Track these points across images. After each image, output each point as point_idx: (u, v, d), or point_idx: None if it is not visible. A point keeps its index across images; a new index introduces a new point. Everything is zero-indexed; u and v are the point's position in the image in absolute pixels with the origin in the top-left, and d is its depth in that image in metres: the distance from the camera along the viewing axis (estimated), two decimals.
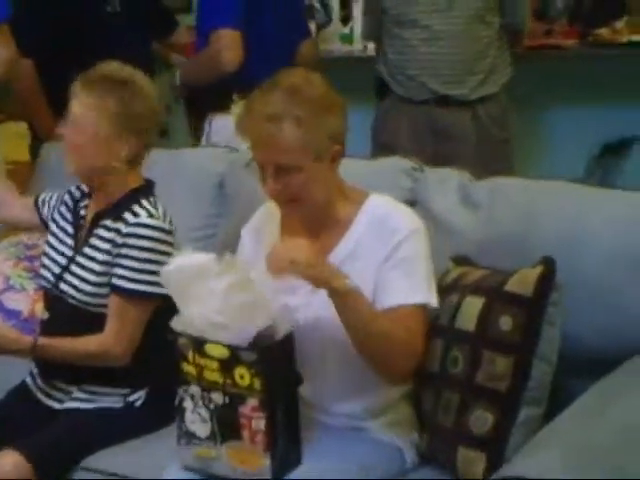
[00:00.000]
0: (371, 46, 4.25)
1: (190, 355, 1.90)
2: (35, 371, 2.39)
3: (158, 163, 2.86)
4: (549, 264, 1.94)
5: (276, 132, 1.91)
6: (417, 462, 2.04)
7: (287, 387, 1.91)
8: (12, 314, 2.41)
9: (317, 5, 4.62)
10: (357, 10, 4.51)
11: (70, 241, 2.38)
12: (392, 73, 3.51)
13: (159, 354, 2.24)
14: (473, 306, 1.96)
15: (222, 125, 3.25)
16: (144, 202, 2.31)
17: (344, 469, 1.92)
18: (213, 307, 1.86)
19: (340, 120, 1.98)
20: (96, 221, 2.33)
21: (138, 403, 2.31)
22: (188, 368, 1.92)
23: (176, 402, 1.96)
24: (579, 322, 2.03)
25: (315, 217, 2.03)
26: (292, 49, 3.45)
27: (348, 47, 4.57)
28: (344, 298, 1.86)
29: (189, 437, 1.95)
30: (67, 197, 2.45)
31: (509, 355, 1.90)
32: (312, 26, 4.50)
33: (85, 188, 2.43)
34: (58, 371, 2.32)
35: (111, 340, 2.26)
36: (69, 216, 2.42)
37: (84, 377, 2.30)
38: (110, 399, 2.30)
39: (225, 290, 1.84)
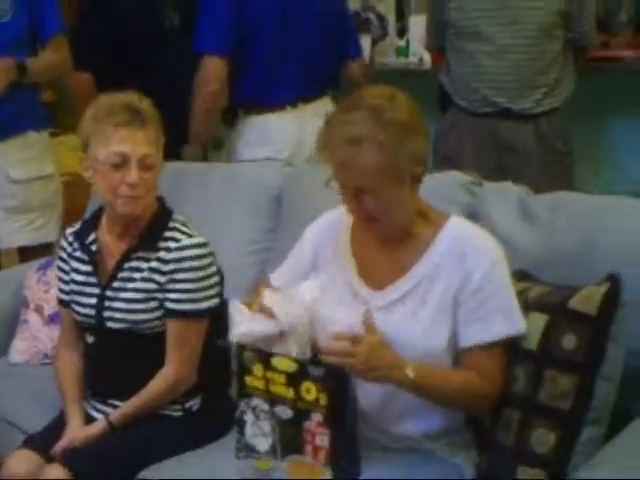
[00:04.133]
0: (427, 59, 4.25)
1: (255, 368, 1.90)
2: (87, 392, 2.39)
3: (214, 177, 2.89)
4: (615, 281, 1.91)
5: (357, 155, 1.87)
6: None
7: (351, 404, 1.89)
8: None
9: (373, 18, 4.62)
10: (413, 23, 4.51)
11: (93, 279, 2.36)
12: (455, 85, 3.52)
13: (208, 359, 2.28)
14: (536, 323, 1.94)
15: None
16: (172, 224, 2.32)
17: None
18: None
19: (423, 141, 1.94)
20: (127, 255, 2.31)
21: (195, 408, 2.32)
22: (253, 381, 1.91)
23: (237, 415, 1.96)
24: None
25: (392, 235, 2.00)
26: (327, 70, 3.44)
27: (404, 60, 4.56)
28: (410, 385, 1.86)
29: (248, 450, 1.95)
30: (64, 243, 2.44)
31: (572, 374, 1.87)
32: (367, 39, 4.52)
33: (77, 225, 2.43)
34: (111, 389, 2.33)
35: (178, 370, 2.28)
36: (79, 254, 2.39)
37: (139, 391, 2.29)
38: (168, 408, 2.31)
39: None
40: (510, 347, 1.94)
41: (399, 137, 1.88)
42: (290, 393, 1.86)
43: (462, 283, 1.92)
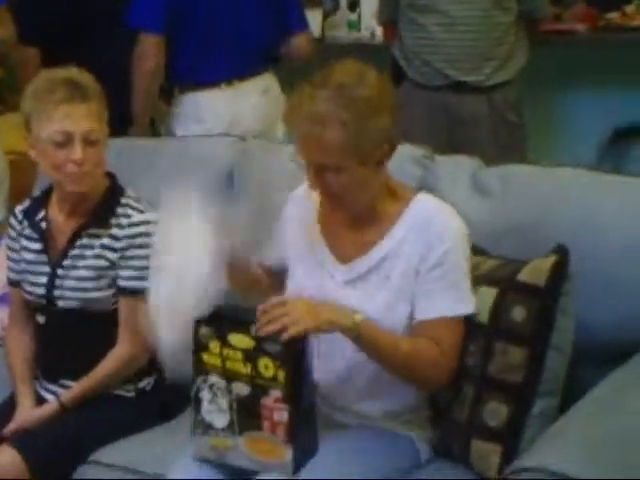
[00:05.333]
0: (379, 33, 4.23)
1: (212, 345, 1.89)
2: (38, 373, 2.37)
3: (163, 153, 2.85)
4: (562, 253, 1.92)
5: (320, 134, 1.86)
6: (431, 456, 2.02)
7: (309, 379, 1.89)
8: None
9: None
10: None
11: (44, 257, 2.33)
12: (408, 58, 3.51)
13: None
14: (486, 297, 1.94)
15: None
16: (124, 200, 2.30)
17: (359, 463, 1.90)
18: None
19: (388, 120, 1.91)
20: (78, 232, 2.29)
21: (148, 388, 2.31)
22: (209, 359, 1.90)
23: (192, 392, 1.94)
24: (594, 312, 2.01)
25: (357, 213, 2.00)
26: (267, 46, 3.41)
27: (356, 34, 4.55)
28: (356, 333, 1.84)
29: (205, 427, 1.93)
30: (13, 221, 2.40)
31: (523, 346, 1.88)
32: (319, 13, 4.49)
33: (27, 202, 2.39)
34: (62, 369, 2.31)
35: (129, 349, 2.26)
36: (28, 232, 2.36)
37: (90, 371, 2.27)
38: (120, 388, 2.30)
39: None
40: (463, 324, 1.94)
41: (363, 117, 1.87)
42: (247, 369, 1.85)
43: (422, 257, 1.93)
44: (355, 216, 2.00)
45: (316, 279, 2.01)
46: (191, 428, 1.96)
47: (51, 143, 2.19)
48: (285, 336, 1.79)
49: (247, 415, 1.88)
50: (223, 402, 1.90)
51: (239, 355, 1.86)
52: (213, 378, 1.90)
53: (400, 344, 1.90)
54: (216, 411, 1.91)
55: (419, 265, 1.93)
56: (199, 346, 1.91)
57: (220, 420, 1.91)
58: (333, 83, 1.89)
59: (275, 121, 3.27)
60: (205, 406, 1.93)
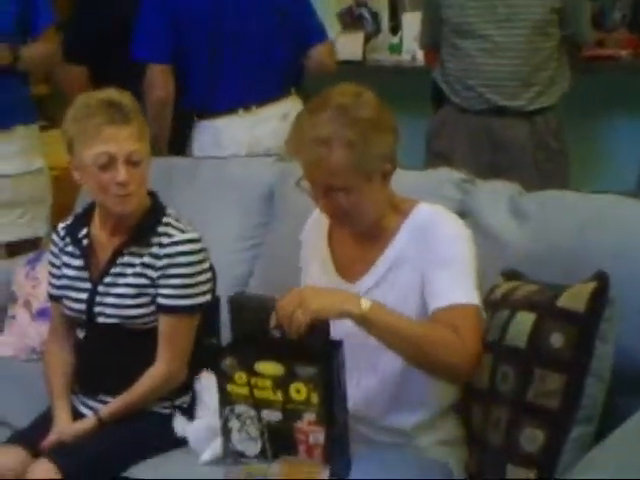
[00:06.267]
0: (420, 56, 4.24)
1: (237, 376, 1.86)
2: (76, 387, 2.38)
3: (204, 172, 2.87)
4: (603, 279, 1.89)
5: (326, 155, 1.89)
6: None
7: (343, 400, 1.87)
8: None
9: (366, 14, 4.61)
10: (406, 20, 4.50)
11: (85, 274, 2.35)
12: (450, 82, 3.51)
13: (199, 356, 2.28)
14: (524, 322, 1.92)
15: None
16: (165, 219, 2.31)
17: None
18: None
19: (391, 138, 1.96)
20: (119, 250, 2.30)
21: (184, 406, 2.31)
22: (235, 389, 1.87)
23: (221, 422, 1.93)
24: (633, 339, 1.99)
25: (364, 230, 2.03)
26: (286, 69, 3.36)
27: (397, 57, 4.56)
28: (366, 319, 1.81)
29: (236, 456, 1.92)
30: (56, 238, 2.43)
31: (561, 372, 1.86)
32: (360, 35, 4.51)
33: (69, 219, 2.42)
34: (101, 385, 2.32)
35: (168, 366, 2.27)
36: (70, 249, 2.38)
37: (128, 387, 2.28)
38: (157, 405, 2.30)
39: None
40: (477, 312, 1.92)
41: (366, 135, 1.90)
42: (278, 396, 1.83)
43: (426, 260, 1.94)
44: (361, 233, 2.03)
45: None
46: (223, 457, 1.96)
47: (95, 166, 2.21)
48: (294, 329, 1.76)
49: (280, 440, 1.86)
50: (253, 430, 1.88)
51: (268, 383, 1.83)
52: (241, 407, 1.88)
53: (414, 327, 1.86)
54: (247, 439, 1.90)
55: (424, 268, 1.93)
56: (224, 377, 1.88)
57: (252, 448, 1.90)
58: (333, 104, 1.91)
59: None
60: (235, 435, 1.91)
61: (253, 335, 1.87)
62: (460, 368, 1.88)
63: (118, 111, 2.20)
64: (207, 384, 2.18)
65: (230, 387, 1.88)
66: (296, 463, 1.86)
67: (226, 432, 1.92)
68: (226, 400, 1.90)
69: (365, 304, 1.81)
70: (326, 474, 1.84)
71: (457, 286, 1.91)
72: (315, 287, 1.96)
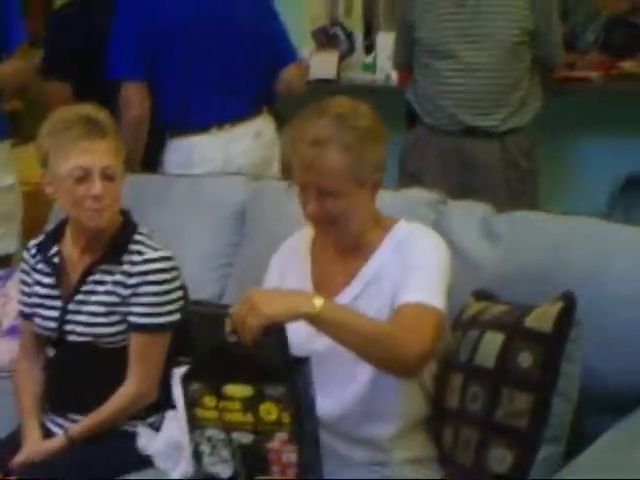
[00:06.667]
0: (394, 76, 4.27)
1: (206, 400, 1.84)
2: (46, 405, 2.37)
3: (177, 189, 2.87)
4: (569, 300, 1.91)
5: (322, 156, 1.91)
6: None
7: (311, 417, 1.86)
8: None
9: (340, 34, 4.64)
10: (380, 40, 4.53)
11: (56, 292, 2.34)
12: (422, 102, 3.53)
13: (170, 375, 2.24)
14: (493, 342, 1.94)
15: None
16: (137, 237, 2.31)
17: None
18: None
19: (383, 149, 1.99)
20: (91, 268, 2.30)
21: (156, 425, 2.28)
22: (203, 413, 1.85)
23: (191, 448, 1.91)
24: (601, 360, 2.00)
25: (347, 242, 2.03)
26: (257, 83, 3.34)
27: (371, 76, 4.58)
28: (320, 318, 1.78)
29: (209, 479, 1.90)
30: (27, 255, 2.42)
31: (529, 392, 1.87)
32: (335, 55, 4.53)
33: (40, 237, 2.41)
34: (71, 403, 2.31)
35: (139, 385, 2.26)
36: (41, 266, 2.37)
37: (99, 406, 2.27)
38: (128, 423, 2.29)
39: None
40: (438, 317, 1.88)
41: (363, 142, 1.93)
42: (249, 418, 1.81)
43: (403, 267, 1.94)
44: (344, 247, 2.04)
45: None
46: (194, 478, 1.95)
47: (70, 178, 2.20)
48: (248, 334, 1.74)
49: (253, 461, 1.85)
50: (225, 452, 1.87)
51: (237, 405, 1.81)
52: (210, 431, 1.86)
53: (362, 321, 1.83)
54: (219, 462, 1.88)
55: (400, 276, 1.93)
56: (191, 402, 1.86)
57: (225, 470, 1.88)
58: (331, 113, 1.94)
59: (269, 165, 3.28)
60: (206, 459, 1.89)
61: (210, 343, 1.83)
62: (406, 361, 1.84)
63: (95, 126, 2.21)
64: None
65: (199, 411, 1.86)
66: None
67: (197, 456, 1.90)
68: (195, 424, 1.88)
69: (318, 302, 1.78)
70: None
71: (428, 289, 1.91)
72: (266, 290, 1.98)
